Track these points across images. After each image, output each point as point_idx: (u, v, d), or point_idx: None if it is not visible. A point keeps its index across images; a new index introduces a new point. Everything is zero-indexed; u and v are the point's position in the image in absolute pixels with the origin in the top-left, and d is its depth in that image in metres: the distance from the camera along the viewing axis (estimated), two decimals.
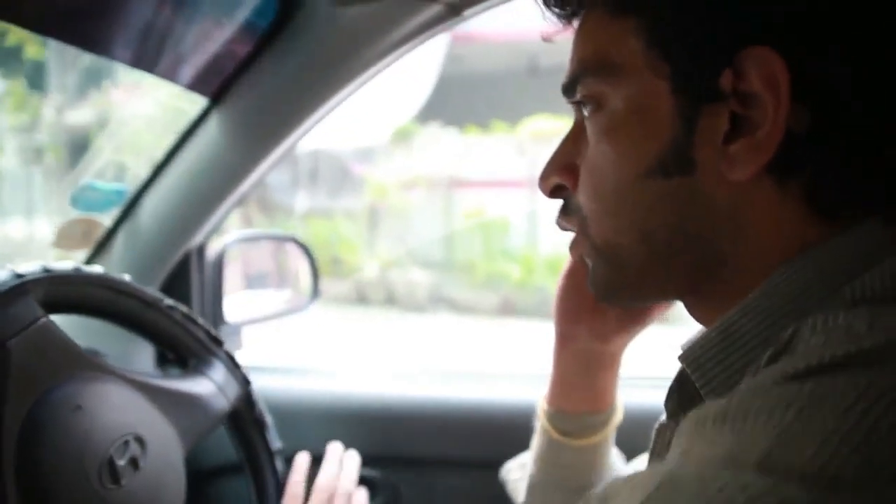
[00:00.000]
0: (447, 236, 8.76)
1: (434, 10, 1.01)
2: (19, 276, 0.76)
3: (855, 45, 0.49)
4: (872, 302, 0.46)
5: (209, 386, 0.94)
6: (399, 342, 6.32)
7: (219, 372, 0.96)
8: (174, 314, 0.94)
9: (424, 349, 5.79)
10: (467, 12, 1.03)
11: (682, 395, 0.58)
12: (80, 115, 8.31)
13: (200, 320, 0.97)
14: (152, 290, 0.93)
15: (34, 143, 8.34)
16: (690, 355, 0.54)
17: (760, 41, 0.49)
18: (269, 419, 1.02)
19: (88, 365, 0.81)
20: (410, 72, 7.72)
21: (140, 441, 0.81)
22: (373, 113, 7.60)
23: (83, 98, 8.34)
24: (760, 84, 0.49)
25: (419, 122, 8.97)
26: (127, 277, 0.90)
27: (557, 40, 0.66)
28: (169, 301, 0.94)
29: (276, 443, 1.02)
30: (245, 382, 0.99)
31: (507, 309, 7.51)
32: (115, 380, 0.83)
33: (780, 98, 0.49)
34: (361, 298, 8.23)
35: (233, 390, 0.97)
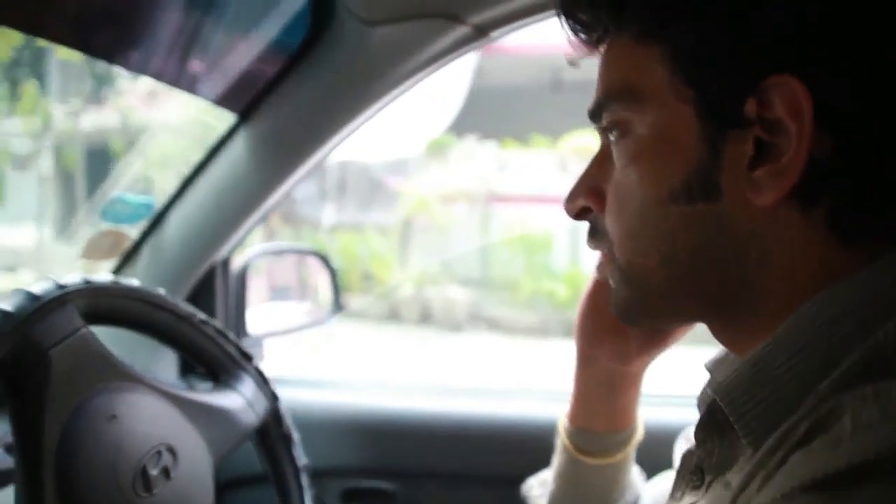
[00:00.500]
0: (485, 252, 8.55)
1: (462, 31, 1.03)
2: (61, 286, 0.78)
3: (877, 73, 0.50)
4: None
5: (239, 400, 0.96)
6: (440, 361, 6.16)
7: (248, 387, 0.98)
8: (207, 329, 0.96)
9: (465, 370, 5.61)
10: (494, 34, 1.05)
11: (713, 424, 0.59)
12: (98, 120, 8.36)
13: (232, 336, 0.99)
14: (186, 305, 0.94)
15: (47, 148, 8.39)
16: (723, 388, 0.54)
17: (784, 69, 0.50)
18: (296, 435, 1.04)
19: (124, 375, 0.83)
20: (442, 84, 7.66)
21: (172, 451, 0.83)
22: (405, 125, 7.53)
23: (100, 102, 8.40)
24: (784, 111, 0.50)
25: (455, 135, 8.82)
26: (162, 291, 0.92)
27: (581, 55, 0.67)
28: (202, 315, 0.95)
29: (302, 459, 1.03)
30: (273, 398, 1.01)
31: (551, 328, 7.27)
32: (148, 391, 0.85)
33: (804, 125, 0.50)
34: (394, 315, 7.99)
35: (261, 405, 0.98)
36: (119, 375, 0.82)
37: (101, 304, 0.83)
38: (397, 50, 1.06)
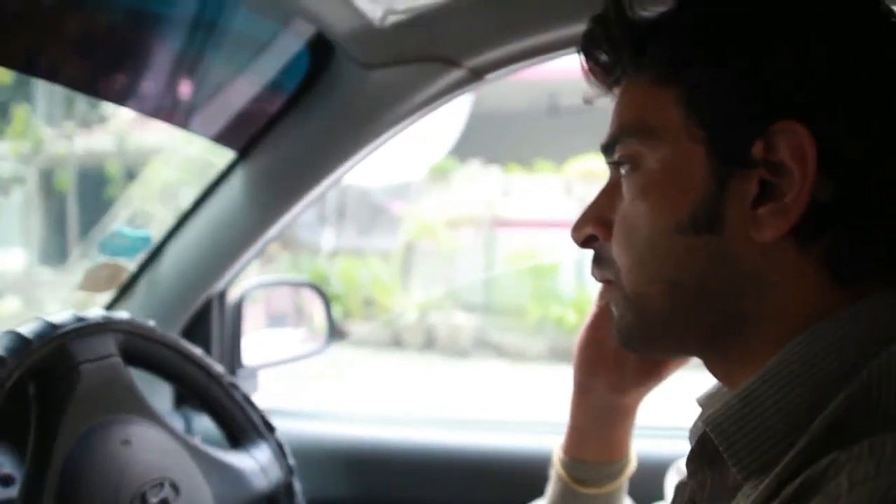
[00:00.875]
0: (491, 278, 8.40)
1: (458, 74, 1.06)
2: (106, 317, 0.84)
3: (880, 123, 0.54)
4: None
5: (252, 464, 0.98)
6: (447, 390, 6.03)
7: (265, 454, 1.01)
8: (235, 394, 1.00)
9: (474, 399, 5.49)
10: (489, 76, 1.08)
11: (704, 456, 0.61)
12: (92, 143, 8.26)
13: (258, 405, 1.03)
14: (217, 365, 0.98)
15: (37, 172, 8.29)
16: (713, 420, 0.57)
17: (791, 115, 0.54)
18: None
19: (146, 412, 0.86)
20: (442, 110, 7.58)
21: (175, 487, 0.85)
22: (406, 149, 7.40)
23: (94, 125, 8.32)
24: (789, 156, 0.54)
25: (457, 159, 8.72)
26: (198, 351, 0.96)
27: (578, 80, 0.70)
28: (230, 379, 0.99)
29: None
30: (289, 471, 1.03)
31: (560, 355, 7.06)
32: (166, 431, 0.88)
33: (807, 170, 0.53)
34: (397, 342, 7.81)
35: (275, 474, 1.01)
36: (141, 410, 0.86)
37: (139, 345, 0.88)
38: (394, 92, 1.09)
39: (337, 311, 7.75)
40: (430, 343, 7.72)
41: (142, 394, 0.86)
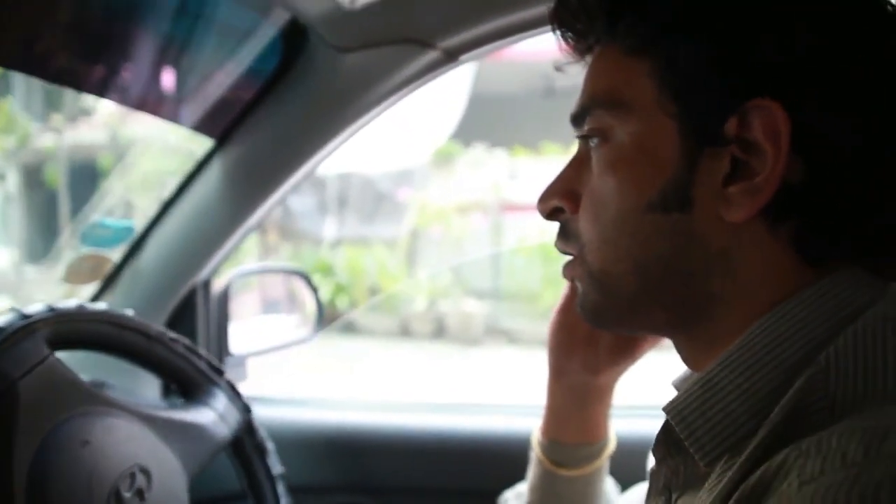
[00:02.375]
0: (500, 263, 8.18)
1: (432, 56, 1.05)
2: (26, 316, 0.80)
3: (857, 105, 0.53)
4: (855, 398, 0.48)
5: (211, 415, 0.97)
6: (461, 379, 5.88)
7: (220, 401, 1.00)
8: (177, 347, 0.97)
9: (491, 388, 5.34)
10: (463, 57, 1.07)
11: (669, 443, 0.61)
12: (82, 136, 8.21)
13: (202, 351, 1.01)
14: (155, 325, 0.96)
15: (24, 166, 8.23)
16: (675, 408, 0.56)
17: (767, 93, 0.53)
18: (270, 445, 1.05)
19: (94, 399, 0.84)
20: (442, 92, 7.47)
21: (146, 472, 0.84)
22: (407, 134, 7.31)
23: (82, 117, 8.26)
24: (762, 134, 0.53)
25: (461, 144, 8.58)
26: (130, 312, 0.93)
27: (572, 61, 0.69)
28: (172, 334, 0.97)
29: (277, 468, 1.05)
30: (246, 410, 1.03)
31: None
32: (120, 413, 0.86)
33: (780, 150, 0.52)
34: (406, 331, 7.67)
35: (234, 418, 1.00)
36: (89, 400, 0.83)
37: (69, 330, 0.84)
38: (369, 75, 1.08)
39: (343, 301, 7.74)
40: (440, 331, 7.63)
41: (85, 383, 0.84)
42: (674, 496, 0.61)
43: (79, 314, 0.86)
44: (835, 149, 0.53)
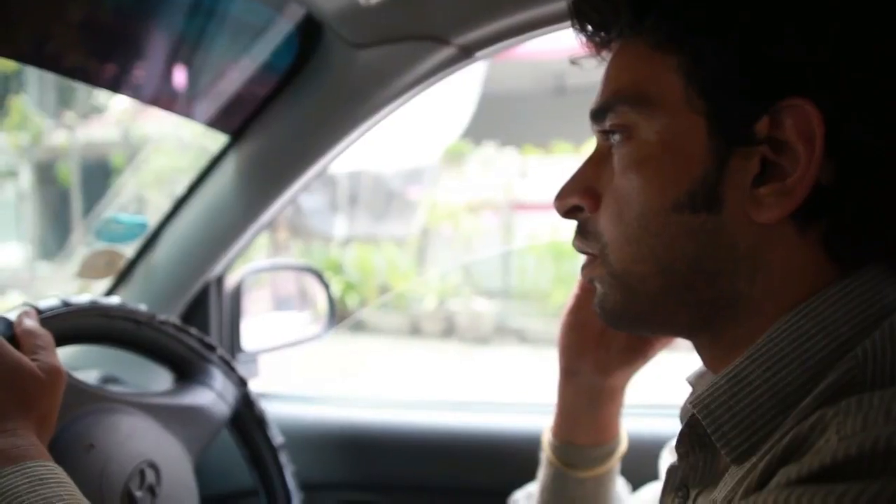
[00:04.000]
0: (510, 262, 8.12)
1: (447, 52, 1.05)
2: (11, 323, 0.77)
3: (887, 104, 0.52)
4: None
5: (210, 395, 0.97)
6: (471, 379, 5.86)
7: (217, 379, 1.00)
8: (167, 328, 0.96)
9: (504, 388, 5.31)
10: (479, 54, 1.07)
11: (693, 438, 0.60)
12: (96, 133, 8.23)
13: (193, 330, 1.00)
14: (144, 309, 0.95)
15: (37, 164, 8.25)
16: (701, 402, 0.56)
17: (801, 92, 0.52)
18: (268, 416, 1.05)
19: (93, 398, 0.83)
20: (453, 90, 7.45)
21: (154, 467, 0.84)
22: (418, 132, 7.27)
23: (96, 114, 8.28)
24: (796, 135, 0.52)
25: (472, 142, 8.52)
26: (116, 300, 0.92)
27: (584, 59, 0.67)
28: (161, 317, 0.96)
29: (278, 438, 1.05)
30: (242, 384, 1.03)
31: None
32: (121, 407, 0.86)
33: (815, 151, 0.51)
34: (415, 330, 7.61)
35: (231, 393, 1.01)
36: (87, 399, 0.82)
37: (57, 329, 0.81)
38: (384, 72, 1.08)
39: (353, 299, 7.75)
40: (450, 330, 7.58)
41: (81, 381, 0.82)
42: (692, 492, 0.61)
43: (65, 311, 0.84)
44: (867, 149, 0.52)
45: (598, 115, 0.62)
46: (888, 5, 0.54)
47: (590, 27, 0.64)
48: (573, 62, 0.69)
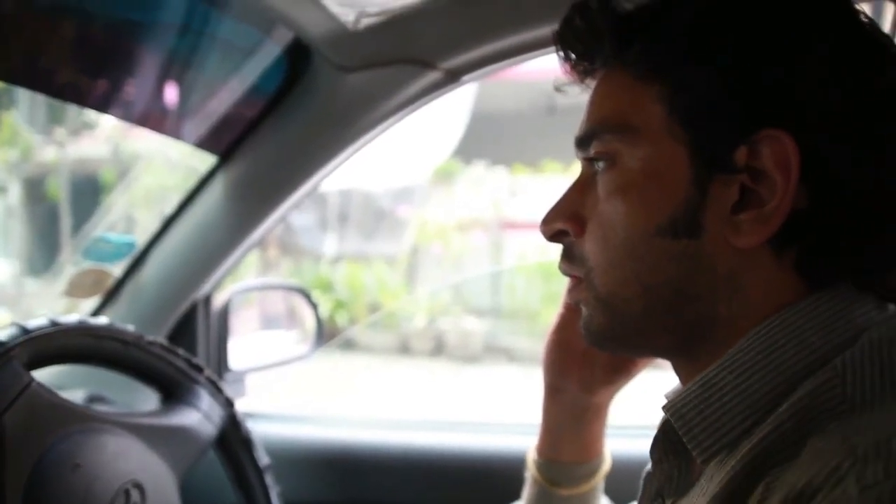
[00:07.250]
0: (500, 281, 8.10)
1: (434, 76, 1.07)
2: (0, 343, 0.77)
3: (859, 135, 0.54)
4: (874, 399, 0.50)
5: (195, 415, 0.97)
6: (461, 397, 5.87)
7: (203, 399, 0.99)
8: (154, 349, 0.96)
9: (493, 407, 5.27)
10: (465, 78, 1.08)
11: (667, 443, 0.62)
12: (86, 150, 8.19)
13: (180, 351, 1.00)
14: (132, 330, 0.95)
15: (26, 180, 8.21)
16: (673, 406, 0.58)
17: (777, 123, 0.54)
18: (254, 437, 1.05)
19: (79, 417, 0.83)
20: (443, 110, 7.55)
21: (139, 487, 0.84)
22: (408, 151, 7.29)
23: (86, 131, 8.25)
24: (772, 164, 0.54)
25: (462, 161, 8.52)
26: (104, 320, 0.92)
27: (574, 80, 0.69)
28: (149, 337, 0.96)
29: (263, 459, 1.05)
30: (228, 404, 1.03)
31: None
32: (107, 428, 0.86)
33: (790, 179, 0.53)
34: (405, 348, 7.55)
35: (217, 414, 1.00)
36: (73, 419, 0.82)
37: (45, 349, 0.82)
38: (371, 95, 1.09)
39: (343, 317, 7.72)
40: (439, 349, 7.54)
41: (68, 402, 0.83)
42: (667, 502, 0.62)
43: (53, 331, 0.84)
44: (839, 177, 0.54)
45: (582, 142, 0.64)
46: (860, 42, 0.56)
47: (574, 56, 0.66)
48: (558, 89, 0.71)
